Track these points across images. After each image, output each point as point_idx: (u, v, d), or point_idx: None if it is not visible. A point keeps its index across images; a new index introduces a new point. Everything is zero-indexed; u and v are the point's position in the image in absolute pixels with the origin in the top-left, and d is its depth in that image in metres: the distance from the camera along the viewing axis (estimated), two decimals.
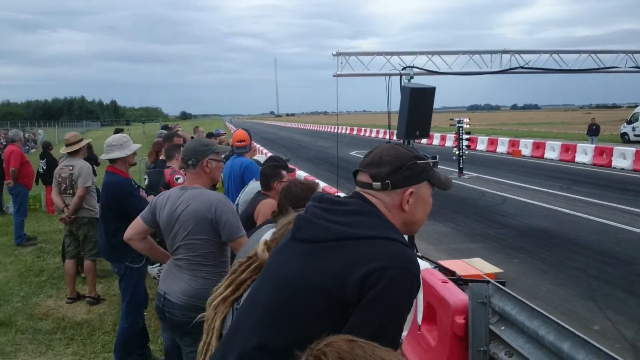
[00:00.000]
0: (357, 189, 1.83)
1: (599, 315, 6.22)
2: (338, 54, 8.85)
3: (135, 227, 3.52)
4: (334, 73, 8.83)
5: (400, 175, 1.75)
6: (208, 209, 3.34)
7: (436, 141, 37.75)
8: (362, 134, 55.10)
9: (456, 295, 4.65)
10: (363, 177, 1.80)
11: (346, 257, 1.60)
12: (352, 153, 31.85)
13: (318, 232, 1.69)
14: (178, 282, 3.34)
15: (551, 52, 8.43)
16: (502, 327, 4.20)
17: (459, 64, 8.47)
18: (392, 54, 8.76)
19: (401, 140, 7.13)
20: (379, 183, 1.75)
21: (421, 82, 7.53)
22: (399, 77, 7.83)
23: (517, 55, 8.42)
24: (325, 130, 70.20)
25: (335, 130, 56.69)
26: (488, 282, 4.43)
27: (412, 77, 7.64)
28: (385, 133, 42.12)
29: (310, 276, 1.62)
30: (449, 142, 30.57)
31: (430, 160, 1.82)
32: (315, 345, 1.16)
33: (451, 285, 4.98)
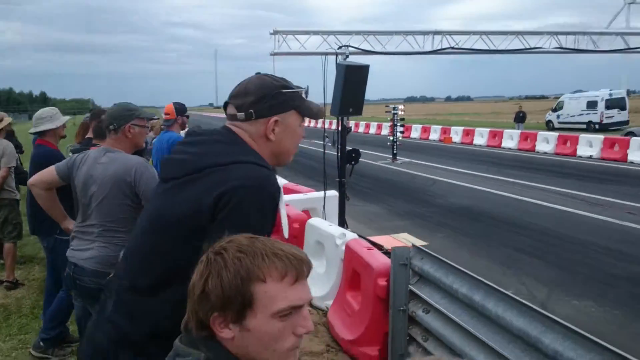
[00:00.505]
0: (227, 122, 1.83)
1: (514, 281, 6.61)
2: (275, 32, 8.88)
3: (45, 174, 3.42)
4: (270, 52, 8.84)
5: (264, 104, 1.72)
6: (127, 171, 3.24)
7: (373, 130, 38.41)
8: None
9: (379, 260, 4.84)
10: (230, 109, 1.80)
11: (204, 184, 1.63)
12: None
13: (177, 167, 1.73)
14: (89, 249, 3.25)
15: (480, 34, 8.78)
16: (422, 286, 4.42)
17: (392, 45, 8.64)
18: (328, 33, 8.88)
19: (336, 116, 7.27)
20: (243, 113, 1.74)
21: (357, 61, 7.69)
22: (335, 56, 7.94)
23: (448, 37, 8.71)
24: None
25: None
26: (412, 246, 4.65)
27: (347, 56, 7.77)
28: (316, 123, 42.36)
29: (172, 209, 1.66)
30: (385, 131, 31.15)
31: (297, 90, 1.78)
32: (217, 243, 1.22)
33: (375, 251, 5.17)
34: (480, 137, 26.92)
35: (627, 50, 8.76)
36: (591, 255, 7.72)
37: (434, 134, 31.06)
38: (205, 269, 1.16)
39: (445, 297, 4.08)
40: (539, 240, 8.61)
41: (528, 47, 8.32)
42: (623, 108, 32.72)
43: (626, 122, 31.64)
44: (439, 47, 7.99)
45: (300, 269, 1.17)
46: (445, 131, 30.37)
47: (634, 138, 19.45)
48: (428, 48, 7.95)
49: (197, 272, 1.18)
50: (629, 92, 40.45)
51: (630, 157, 18.41)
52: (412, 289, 4.46)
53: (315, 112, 1.83)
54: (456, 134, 29.04)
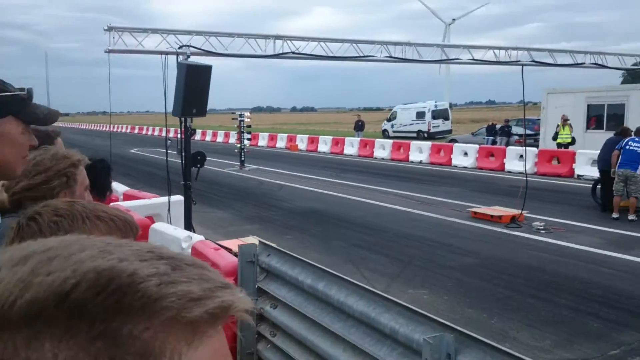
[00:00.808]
0: None
1: (357, 275, 6.93)
2: (110, 29, 8.36)
3: None
4: (105, 49, 8.32)
5: None
6: None
7: (220, 138, 38.07)
8: (143, 132, 53.10)
9: (226, 259, 4.78)
10: None
11: None
12: (133, 150, 30.45)
13: None
14: None
15: (319, 40, 9.12)
16: (269, 282, 4.44)
17: (234, 48, 8.63)
18: (168, 31, 8.58)
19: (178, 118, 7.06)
20: None
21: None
22: (175, 56, 7.71)
23: (289, 42, 8.90)
24: (102, 129, 65.83)
25: (111, 129, 53.66)
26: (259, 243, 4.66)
27: (188, 57, 7.58)
28: (161, 130, 41.10)
29: None
30: (233, 139, 31.07)
31: (13, 93, 1.52)
32: (29, 209, 1.09)
33: (223, 251, 5.10)
34: (324, 145, 28.00)
35: (447, 61, 9.82)
36: (425, 249, 8.38)
37: (281, 142, 31.64)
38: (16, 237, 1.03)
39: (292, 291, 4.15)
40: (380, 237, 9.15)
41: (362, 54, 8.92)
42: (447, 118, 36.36)
43: (450, 131, 35.12)
44: (281, 52, 8.22)
45: (125, 232, 1.09)
46: (291, 139, 31.09)
47: (457, 144, 21.58)
48: (270, 52, 8.14)
49: (7, 240, 1.04)
50: (451, 105, 44.87)
51: (454, 162, 20.37)
52: (260, 285, 4.47)
53: (42, 117, 1.59)
54: (302, 142, 29.88)
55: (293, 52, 8.71)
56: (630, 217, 9.97)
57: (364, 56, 9.54)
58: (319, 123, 74.13)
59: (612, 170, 10.31)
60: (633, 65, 13.63)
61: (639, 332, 5.15)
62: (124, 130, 59.12)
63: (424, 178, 17.09)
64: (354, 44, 9.54)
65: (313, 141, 29.16)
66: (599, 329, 5.28)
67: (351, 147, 26.19)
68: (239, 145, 20.43)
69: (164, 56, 7.41)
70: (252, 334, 4.46)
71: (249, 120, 20.92)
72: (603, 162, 10.94)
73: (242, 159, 20.28)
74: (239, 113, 20.95)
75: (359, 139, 27.38)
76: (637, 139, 10.18)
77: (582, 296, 6.15)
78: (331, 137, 28.67)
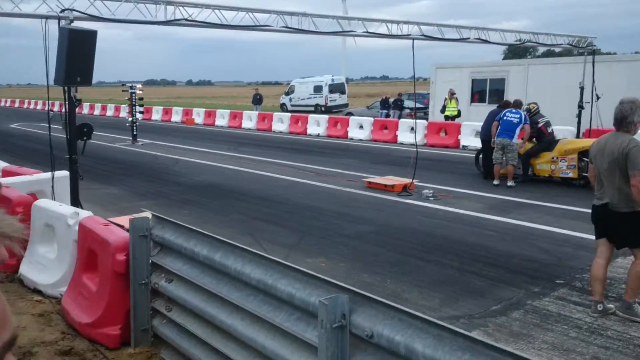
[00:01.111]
0: None
1: (256, 246, 6.91)
2: None
3: None
4: None
5: None
6: None
7: (110, 112, 36.15)
8: (24, 106, 49.26)
9: (117, 234, 4.58)
10: None
11: None
12: (13, 125, 28.20)
13: None
14: None
15: (213, 7, 8.81)
16: (163, 256, 4.31)
17: (122, 13, 8.10)
18: None
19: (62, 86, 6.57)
20: None
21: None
22: (57, 21, 7.12)
23: (181, 8, 8.51)
24: None
25: None
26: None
27: (71, 22, 7.04)
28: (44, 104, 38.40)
29: None
30: (124, 113, 29.61)
31: None
32: None
33: (113, 226, 4.88)
34: (222, 119, 27.46)
35: (342, 33, 9.93)
36: (323, 219, 8.53)
37: (176, 116, 30.62)
38: None
39: (188, 263, 4.06)
40: (279, 209, 9.19)
41: (258, 24, 8.75)
42: (343, 92, 37.05)
43: (346, 105, 35.82)
44: (172, 19, 7.82)
45: None
46: (187, 113, 30.18)
47: (353, 118, 22.04)
48: (161, 19, 7.71)
49: None
50: (347, 80, 45.66)
51: (350, 134, 20.83)
52: (153, 260, 4.33)
53: None
54: (198, 116, 29.10)
55: (186, 19, 8.36)
56: (509, 183, 10.75)
57: (260, 26, 9.38)
58: (216, 97, 72.53)
59: (492, 140, 11.03)
60: (515, 41, 14.51)
61: (517, 288, 5.59)
62: (2, 104, 54.48)
63: (322, 150, 17.33)
64: (249, 13, 9.33)
65: (210, 115, 28.51)
66: (482, 286, 5.67)
67: (249, 120, 25.91)
68: (130, 119, 19.50)
69: (44, 21, 6.83)
70: (146, 309, 4.33)
71: (141, 92, 19.99)
72: (484, 132, 11.66)
73: (135, 133, 19.40)
74: (130, 85, 19.95)
75: (257, 112, 27.15)
76: (514, 111, 10.94)
77: (467, 257, 6.58)
78: (229, 111, 28.17)
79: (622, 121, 4.77)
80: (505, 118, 10.86)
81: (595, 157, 4.99)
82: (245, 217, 8.66)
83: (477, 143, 14.42)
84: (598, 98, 13.02)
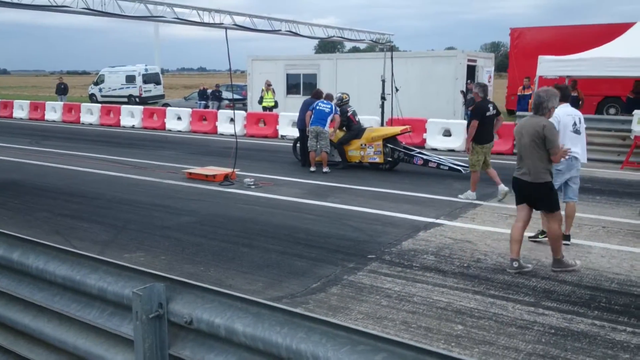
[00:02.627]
0: None
1: (66, 245, 6.37)
2: None
3: None
4: None
5: None
6: None
7: None
8: None
9: None
10: None
11: None
12: None
13: None
14: None
15: None
16: None
17: None
18: None
19: None
20: None
21: None
22: None
23: None
24: None
25: None
26: None
27: None
28: None
29: None
30: None
31: None
32: None
33: None
34: (21, 110, 24.74)
35: (150, 18, 9.49)
36: (142, 213, 8.14)
37: None
38: None
39: None
40: (91, 205, 8.57)
41: (55, 4, 7.94)
42: (158, 83, 35.58)
43: (162, 96, 34.47)
44: None
45: None
46: None
47: (170, 108, 21.35)
48: None
49: None
50: (162, 71, 44.01)
51: (167, 126, 20.15)
52: None
53: None
54: None
55: None
56: (325, 169, 11.31)
57: (56, 6, 8.57)
58: (13, 87, 65.07)
59: (307, 128, 11.51)
60: (325, 37, 15.24)
61: (334, 265, 5.91)
62: None
63: (138, 143, 16.52)
64: None
65: (6, 106, 25.50)
66: (303, 267, 5.90)
67: (54, 112, 23.69)
68: None
69: None
70: None
71: None
72: (300, 122, 12.10)
73: None
74: None
75: (62, 103, 24.90)
76: (325, 102, 11.54)
77: (288, 241, 6.78)
78: (29, 102, 25.44)
79: (539, 106, 5.61)
80: (317, 108, 11.40)
81: (517, 135, 5.77)
82: (52, 214, 7.92)
83: (294, 132, 14.91)
84: (397, 90, 14.29)
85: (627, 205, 8.55)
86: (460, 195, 9.07)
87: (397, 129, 12.00)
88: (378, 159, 11.53)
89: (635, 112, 12.37)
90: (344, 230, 7.23)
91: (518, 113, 15.80)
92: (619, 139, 12.59)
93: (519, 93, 18.35)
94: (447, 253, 6.29)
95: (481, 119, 8.71)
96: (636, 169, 11.78)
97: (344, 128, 11.87)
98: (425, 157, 11.24)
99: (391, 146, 11.51)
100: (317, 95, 12.02)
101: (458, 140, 14.84)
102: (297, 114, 12.58)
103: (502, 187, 8.84)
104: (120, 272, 2.87)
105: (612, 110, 19.92)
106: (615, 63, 12.89)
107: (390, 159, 11.53)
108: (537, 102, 5.67)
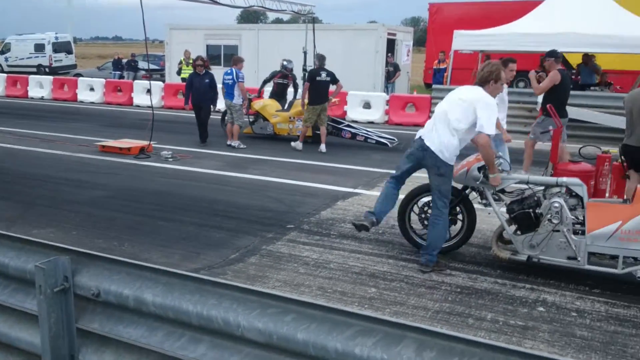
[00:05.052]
0: None
1: None
2: None
3: None
4: None
5: None
6: None
7: None
8: None
9: None
10: None
11: None
12: None
13: None
14: None
15: None
16: None
17: None
18: None
19: None
20: None
21: None
22: None
23: None
24: None
25: None
26: None
27: None
28: None
29: None
30: None
31: None
32: None
33: None
34: None
35: None
36: (52, 188, 7.79)
37: None
38: None
39: None
40: None
41: None
42: (70, 52, 33.59)
43: (74, 66, 32.63)
44: None
45: None
46: None
47: (82, 79, 20.31)
48: None
49: None
50: (75, 39, 41.66)
51: (79, 97, 19.20)
52: None
53: None
54: None
55: None
56: (230, 142, 10.94)
57: None
58: None
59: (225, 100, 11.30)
60: (245, 6, 14.94)
61: (253, 236, 5.93)
62: None
63: (47, 115, 15.66)
64: None
65: None
66: (222, 238, 5.88)
67: None
68: None
69: None
70: None
71: None
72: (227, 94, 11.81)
73: None
74: None
75: None
76: (228, 72, 11.05)
77: (207, 213, 6.73)
78: None
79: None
80: (224, 81, 11.11)
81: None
82: None
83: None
84: None
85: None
86: (292, 143, 10.75)
87: None
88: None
89: None
90: (264, 202, 7.26)
91: (434, 86, 16.27)
92: (526, 110, 13.31)
93: (434, 67, 18.91)
94: None
95: (311, 82, 10.40)
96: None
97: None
98: (353, 130, 11.36)
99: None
100: (235, 62, 11.56)
101: (377, 113, 15.15)
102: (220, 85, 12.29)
103: (298, 144, 10.65)
104: (23, 247, 2.77)
105: (521, 84, 20.96)
106: (526, 39, 13.48)
107: (318, 132, 11.53)
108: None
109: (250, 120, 11.99)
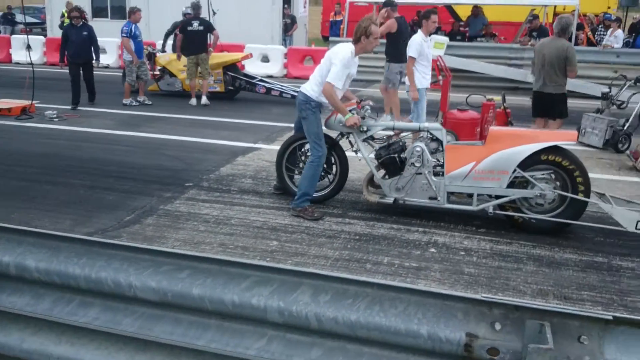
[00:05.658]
0: None
1: None
2: None
3: None
4: None
5: None
6: None
7: None
8: None
9: None
10: None
11: None
12: None
13: None
14: None
15: None
16: None
17: None
18: None
19: None
20: None
21: None
22: None
23: None
24: None
25: None
26: None
27: None
28: None
29: None
30: None
31: None
32: None
33: None
34: None
35: None
36: None
37: None
38: None
39: None
40: None
41: None
42: None
43: None
44: None
45: None
46: None
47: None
48: None
49: None
50: None
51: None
52: None
53: None
54: None
55: None
56: (140, 98, 10.61)
57: None
58: None
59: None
60: None
61: (149, 196, 5.74)
62: None
63: None
64: None
65: None
66: (115, 200, 5.64)
67: None
68: None
69: None
70: None
71: None
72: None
73: None
74: None
75: None
76: (124, 24, 10.41)
77: (98, 175, 6.40)
78: None
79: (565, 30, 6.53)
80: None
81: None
82: None
83: (104, 60, 13.74)
84: (214, 13, 13.79)
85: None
86: (190, 102, 10.57)
87: (238, 56, 11.65)
88: (219, 88, 11.09)
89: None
90: (161, 160, 7.02)
91: (331, 39, 16.28)
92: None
93: (331, 19, 18.88)
94: (264, 175, 6.46)
95: (184, 33, 10.37)
96: (435, 89, 13.01)
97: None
98: (267, 85, 11.05)
99: (232, 74, 11.13)
100: (129, 14, 10.71)
101: (276, 66, 14.98)
102: (103, 39, 11.53)
103: (193, 101, 10.51)
104: None
105: None
106: None
107: (232, 88, 11.15)
108: (564, 26, 6.54)
109: (157, 76, 11.41)
